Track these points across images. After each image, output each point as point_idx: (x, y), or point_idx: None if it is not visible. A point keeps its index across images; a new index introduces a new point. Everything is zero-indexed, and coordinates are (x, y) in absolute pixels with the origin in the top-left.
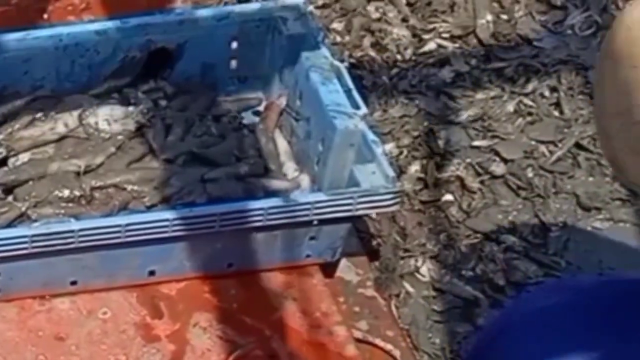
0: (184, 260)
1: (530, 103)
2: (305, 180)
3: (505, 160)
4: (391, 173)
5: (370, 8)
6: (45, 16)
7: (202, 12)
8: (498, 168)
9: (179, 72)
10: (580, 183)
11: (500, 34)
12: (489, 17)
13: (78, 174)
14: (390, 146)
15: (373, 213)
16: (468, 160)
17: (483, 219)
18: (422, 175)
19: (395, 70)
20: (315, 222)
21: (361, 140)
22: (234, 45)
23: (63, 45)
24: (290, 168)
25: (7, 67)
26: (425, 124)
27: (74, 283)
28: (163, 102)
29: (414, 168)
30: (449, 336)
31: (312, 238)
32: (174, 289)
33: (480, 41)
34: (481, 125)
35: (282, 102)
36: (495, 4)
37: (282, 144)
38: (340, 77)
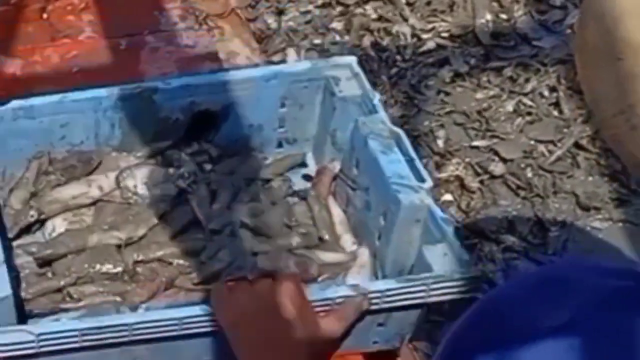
0: None
1: (530, 103)
2: (364, 253)
3: (504, 160)
4: (466, 256)
5: (370, 8)
6: (45, 16)
7: (249, 73)
8: (497, 168)
9: (225, 134)
10: (579, 183)
11: (499, 34)
12: (488, 17)
13: (119, 246)
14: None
15: (446, 300)
16: (467, 160)
17: (482, 219)
18: None
19: (394, 70)
20: (385, 310)
21: (428, 216)
22: (283, 106)
23: (103, 108)
24: (347, 240)
25: (43, 133)
26: (425, 123)
27: None
28: (207, 166)
29: None
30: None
31: (380, 325)
32: None
33: (479, 41)
34: (480, 125)
35: (336, 167)
36: (494, 4)
37: (337, 213)
38: (400, 145)
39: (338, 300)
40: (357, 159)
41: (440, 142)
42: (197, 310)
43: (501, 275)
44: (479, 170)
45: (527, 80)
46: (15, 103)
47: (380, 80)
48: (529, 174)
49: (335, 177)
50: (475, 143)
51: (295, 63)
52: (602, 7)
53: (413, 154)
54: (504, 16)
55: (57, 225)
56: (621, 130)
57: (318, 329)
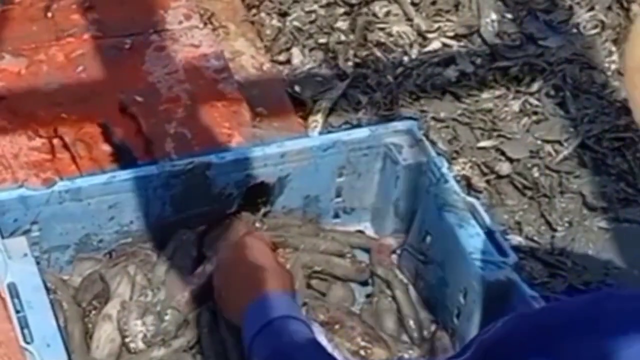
0: None
1: (536, 102)
2: (444, 338)
3: (510, 160)
4: None
5: (375, 7)
6: (50, 14)
7: (307, 142)
8: (504, 168)
9: (280, 206)
10: (586, 182)
11: (505, 33)
12: (494, 16)
13: None
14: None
15: None
16: (474, 159)
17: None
18: None
19: (400, 70)
20: None
21: (515, 295)
22: (340, 175)
23: (153, 186)
24: (426, 319)
25: (91, 214)
26: (431, 123)
27: None
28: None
29: None
30: None
31: None
32: None
33: (484, 40)
34: (486, 125)
35: (392, 244)
36: (499, 3)
37: (411, 290)
38: (476, 216)
39: None
40: (426, 230)
41: (446, 142)
42: None
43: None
44: (486, 170)
45: (533, 80)
46: (61, 185)
47: (386, 80)
48: (536, 174)
49: (394, 251)
50: (481, 143)
51: (353, 130)
52: None
53: (492, 226)
54: (509, 16)
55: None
56: None
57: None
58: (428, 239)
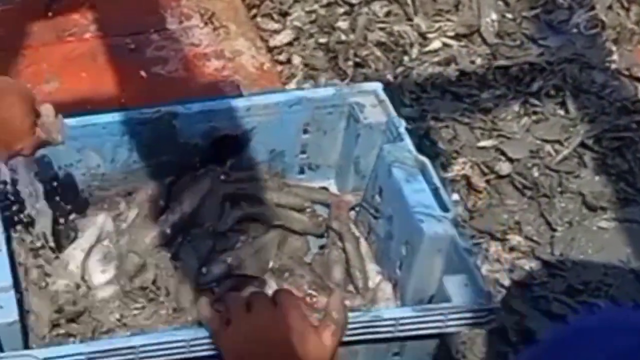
0: None
1: (536, 102)
2: (387, 288)
3: (510, 160)
4: (485, 287)
5: (375, 7)
6: (50, 14)
7: (272, 98)
8: (504, 167)
9: (246, 159)
10: (586, 182)
11: (505, 33)
12: (494, 16)
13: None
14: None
15: (464, 330)
16: (474, 159)
17: (489, 219)
18: None
19: (400, 69)
20: (400, 338)
21: (451, 247)
22: (306, 132)
23: (120, 132)
24: (372, 270)
25: (59, 157)
26: (431, 123)
27: None
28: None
29: None
30: (454, 336)
31: (395, 354)
32: None
33: (485, 40)
34: (486, 125)
35: (351, 200)
36: (500, 3)
37: (362, 243)
38: (425, 174)
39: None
40: (380, 186)
41: (446, 142)
42: (204, 332)
43: (507, 274)
44: (486, 170)
45: (533, 80)
46: None
47: (386, 79)
48: (536, 174)
49: (352, 208)
50: (481, 143)
51: (318, 89)
52: None
53: (438, 182)
54: (509, 15)
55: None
56: None
57: (322, 348)
58: (380, 194)
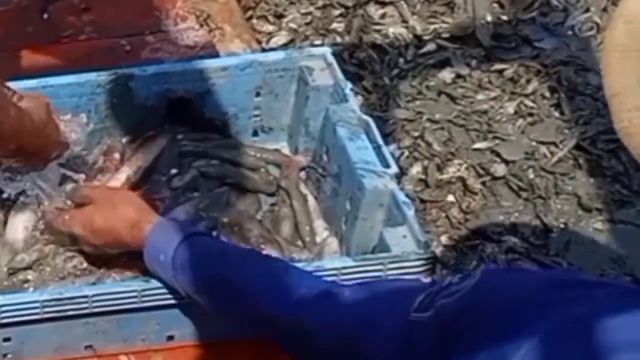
0: (205, 324)
1: (531, 104)
2: (333, 242)
3: (506, 162)
4: (423, 238)
5: (370, 9)
6: (46, 16)
7: (225, 61)
8: (499, 169)
9: (201, 121)
10: (581, 184)
11: (500, 35)
12: (489, 18)
13: None
14: (391, 148)
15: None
16: (469, 161)
17: (484, 220)
18: (423, 176)
19: (395, 71)
20: None
21: (391, 201)
22: (258, 95)
23: (79, 94)
24: (319, 226)
25: None
26: (426, 125)
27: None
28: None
29: (415, 169)
30: None
31: None
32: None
33: (480, 42)
34: (482, 127)
35: (301, 160)
36: (495, 5)
37: (310, 201)
38: (368, 132)
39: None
40: (326, 146)
41: (441, 144)
42: (156, 283)
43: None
44: (481, 172)
45: (528, 82)
46: None
47: (382, 82)
48: (531, 175)
49: (303, 169)
50: (476, 145)
51: (269, 52)
52: (631, 13)
53: (380, 141)
54: (504, 17)
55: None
56: (632, 123)
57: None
58: (327, 153)
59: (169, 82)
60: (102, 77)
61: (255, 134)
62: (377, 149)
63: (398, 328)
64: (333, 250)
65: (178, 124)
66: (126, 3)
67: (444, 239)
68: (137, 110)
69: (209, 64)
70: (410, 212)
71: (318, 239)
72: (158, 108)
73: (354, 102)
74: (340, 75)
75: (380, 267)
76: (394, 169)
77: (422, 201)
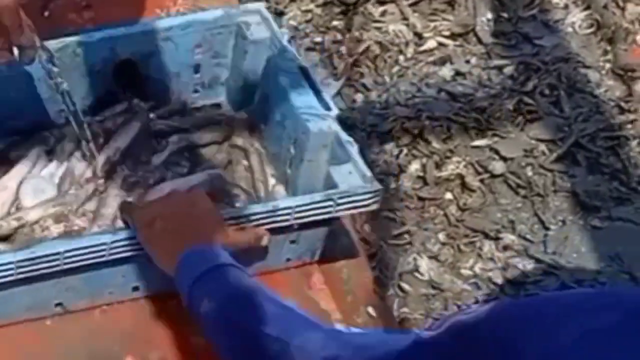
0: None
1: (530, 101)
2: (280, 190)
3: (504, 159)
4: (368, 172)
5: (371, 6)
6: (46, 13)
7: (165, 22)
8: (498, 166)
9: (149, 83)
10: (579, 181)
11: (500, 32)
12: (489, 16)
13: None
14: (390, 145)
15: (353, 213)
16: (468, 158)
17: (482, 218)
18: (421, 174)
19: (395, 69)
20: (296, 227)
21: (335, 142)
22: (198, 53)
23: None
24: (270, 177)
25: None
26: (426, 122)
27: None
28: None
29: (414, 167)
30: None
31: (292, 242)
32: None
33: (480, 39)
34: (481, 124)
35: (244, 115)
36: (495, 2)
37: (263, 155)
38: (308, 79)
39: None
40: (267, 95)
41: (440, 141)
42: (123, 234)
43: (500, 273)
44: (480, 169)
45: (527, 79)
46: None
47: (382, 79)
48: (529, 173)
49: (250, 121)
50: (475, 142)
51: (207, 11)
52: None
53: (319, 86)
54: (505, 15)
55: None
56: None
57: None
58: (269, 103)
59: (114, 45)
60: (51, 45)
61: (196, 91)
62: (317, 94)
63: (409, 347)
64: (281, 196)
65: (129, 89)
66: (127, 1)
67: (441, 236)
68: (86, 77)
69: (152, 26)
70: (353, 150)
71: (270, 189)
72: (104, 72)
73: (292, 50)
74: (276, 28)
75: (330, 203)
76: (335, 111)
77: (421, 199)
